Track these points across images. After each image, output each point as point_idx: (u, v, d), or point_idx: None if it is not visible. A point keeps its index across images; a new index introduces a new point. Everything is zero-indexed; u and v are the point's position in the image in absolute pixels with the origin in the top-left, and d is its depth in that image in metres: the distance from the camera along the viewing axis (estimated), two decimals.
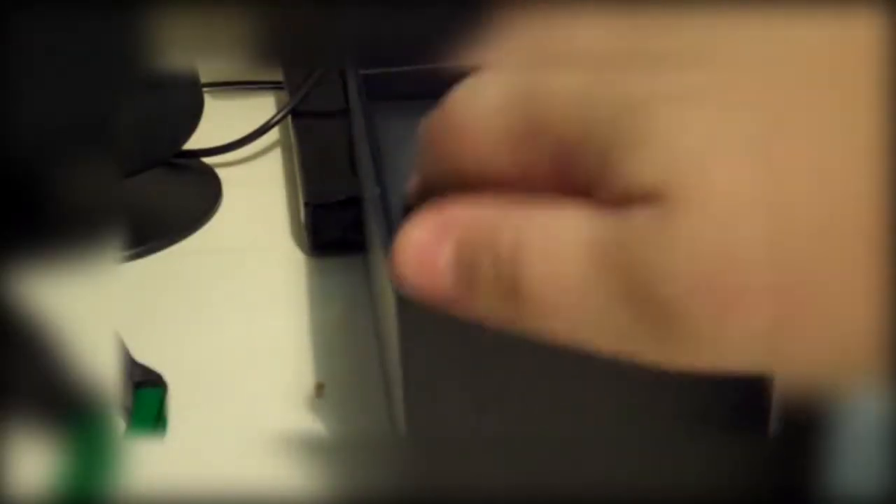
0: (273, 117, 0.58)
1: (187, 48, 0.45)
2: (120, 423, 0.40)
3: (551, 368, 0.31)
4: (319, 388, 0.42)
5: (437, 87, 0.49)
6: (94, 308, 0.37)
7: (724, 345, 0.19)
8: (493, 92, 0.23)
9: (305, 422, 0.41)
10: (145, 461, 0.37)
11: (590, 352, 0.26)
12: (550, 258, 0.21)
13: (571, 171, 0.21)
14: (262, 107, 0.64)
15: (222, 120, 0.60)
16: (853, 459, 0.31)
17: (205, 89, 0.55)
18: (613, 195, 0.20)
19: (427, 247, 0.23)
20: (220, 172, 0.58)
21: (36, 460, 0.34)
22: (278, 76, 0.64)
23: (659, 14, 0.22)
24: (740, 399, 0.32)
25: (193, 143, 0.55)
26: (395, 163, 0.40)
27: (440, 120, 0.24)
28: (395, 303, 0.30)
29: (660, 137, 0.19)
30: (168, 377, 0.41)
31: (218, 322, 0.46)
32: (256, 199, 0.56)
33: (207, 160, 0.59)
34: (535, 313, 0.21)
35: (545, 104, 0.21)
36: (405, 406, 0.31)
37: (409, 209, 0.29)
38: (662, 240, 0.19)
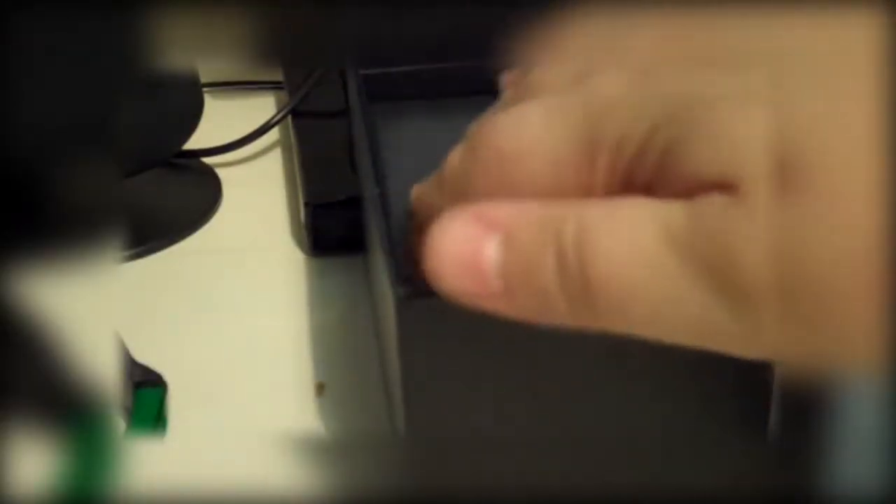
0: (273, 117, 0.58)
1: (187, 48, 0.45)
2: (120, 423, 0.40)
3: (550, 369, 0.31)
4: (320, 388, 0.42)
5: (437, 87, 0.49)
6: (94, 308, 0.37)
7: (825, 326, 0.19)
8: (543, 120, 0.23)
9: (305, 422, 0.41)
10: (145, 461, 0.37)
11: (595, 353, 0.26)
12: (624, 245, 0.20)
13: (629, 173, 0.21)
14: (262, 107, 0.64)
15: (222, 120, 0.59)
16: (853, 459, 0.31)
17: (205, 89, 0.55)
18: (680, 187, 0.20)
19: (468, 244, 0.22)
20: (220, 172, 0.58)
21: (36, 460, 0.34)
22: (278, 76, 0.64)
23: (703, 15, 0.22)
24: (740, 399, 0.32)
25: (193, 143, 0.55)
26: (395, 163, 0.40)
27: (486, 153, 0.23)
28: (394, 303, 0.30)
29: (729, 131, 0.19)
30: (168, 377, 0.41)
31: (218, 322, 0.46)
32: (256, 199, 0.56)
33: (207, 160, 0.59)
34: (610, 304, 0.21)
35: (604, 116, 0.22)
36: (404, 406, 0.31)
37: (411, 217, 0.29)
38: (751, 224, 0.19)
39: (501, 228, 0.22)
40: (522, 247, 0.22)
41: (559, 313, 0.22)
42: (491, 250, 0.22)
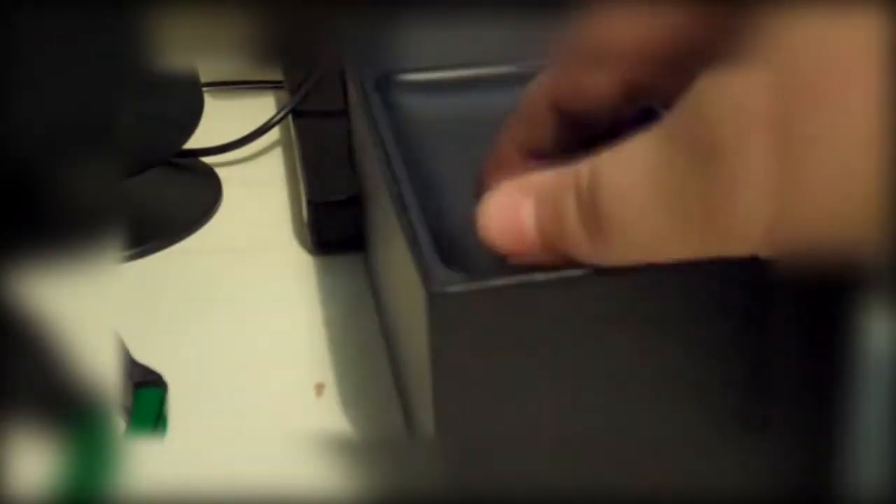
0: (273, 117, 0.58)
1: (187, 48, 0.45)
2: (120, 423, 0.40)
3: (580, 364, 0.31)
4: (319, 389, 0.42)
5: (436, 87, 0.49)
6: (94, 308, 0.37)
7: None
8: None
9: (307, 421, 0.41)
10: (145, 461, 0.37)
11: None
12: (624, 171, 0.25)
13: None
14: (262, 107, 0.64)
15: (222, 120, 0.60)
16: (859, 460, 0.31)
17: (205, 89, 0.55)
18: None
19: (509, 206, 0.28)
20: (220, 172, 0.58)
21: (36, 460, 0.34)
22: (278, 76, 0.64)
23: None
24: (741, 399, 0.32)
25: (193, 143, 0.55)
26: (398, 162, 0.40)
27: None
28: (424, 299, 0.29)
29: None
30: (168, 377, 0.41)
31: (218, 322, 0.46)
32: (257, 198, 0.56)
33: (207, 160, 0.59)
34: (613, 227, 0.25)
35: None
36: (435, 406, 0.31)
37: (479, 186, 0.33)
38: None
39: (533, 190, 0.27)
40: (548, 197, 0.27)
41: (583, 249, 0.27)
42: (527, 210, 0.27)
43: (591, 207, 0.25)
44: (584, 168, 0.26)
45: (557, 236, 0.27)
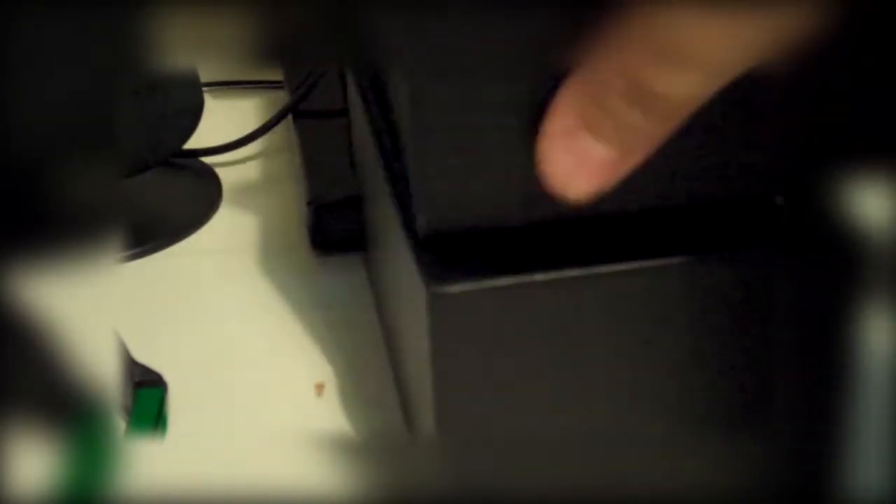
0: (273, 117, 0.58)
1: (187, 48, 0.45)
2: (120, 423, 0.40)
3: (572, 369, 0.31)
4: (319, 388, 0.42)
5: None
6: (94, 308, 0.37)
7: None
8: None
9: (307, 421, 0.41)
10: (145, 461, 0.37)
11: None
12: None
13: None
14: (262, 107, 0.64)
15: (222, 120, 0.60)
16: (859, 460, 0.31)
17: (205, 89, 0.55)
18: None
19: (567, 146, 0.26)
20: (220, 172, 0.58)
21: (36, 460, 0.34)
22: (278, 76, 0.64)
23: None
24: (742, 399, 0.32)
25: (193, 143, 0.55)
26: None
27: None
28: (427, 299, 0.29)
29: None
30: (168, 377, 0.41)
31: (218, 322, 0.46)
32: (257, 199, 0.56)
33: (207, 160, 0.59)
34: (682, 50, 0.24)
35: None
36: (435, 406, 0.31)
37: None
38: None
39: (571, 117, 0.26)
40: (592, 110, 0.26)
41: (639, 127, 0.26)
42: (581, 138, 0.26)
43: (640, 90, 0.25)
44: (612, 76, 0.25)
45: (616, 126, 0.26)
